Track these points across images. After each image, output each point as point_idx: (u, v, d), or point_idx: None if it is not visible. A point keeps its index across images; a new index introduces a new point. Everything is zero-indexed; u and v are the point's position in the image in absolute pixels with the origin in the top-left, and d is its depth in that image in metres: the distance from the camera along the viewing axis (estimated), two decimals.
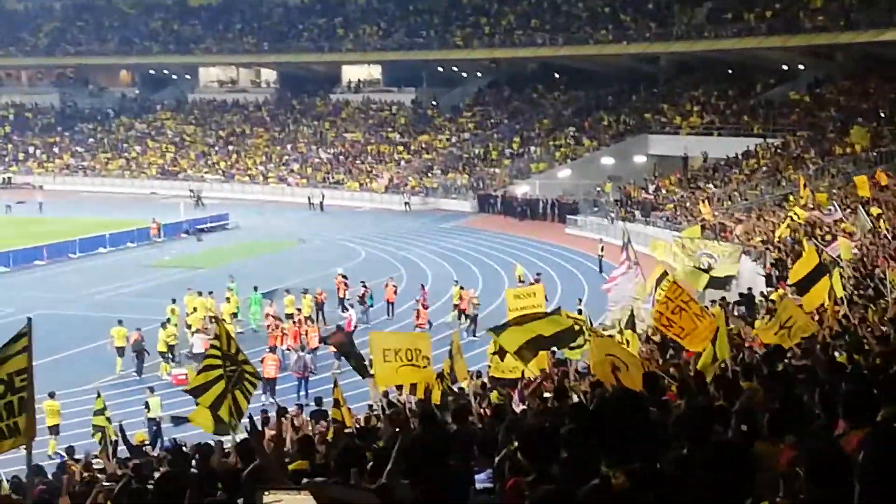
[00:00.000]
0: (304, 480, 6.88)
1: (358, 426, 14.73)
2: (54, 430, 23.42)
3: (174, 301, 33.97)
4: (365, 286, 36.75)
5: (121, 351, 30.68)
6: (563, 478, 5.11)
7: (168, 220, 57.74)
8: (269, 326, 32.18)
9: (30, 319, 8.16)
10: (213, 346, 12.42)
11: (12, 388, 8.65)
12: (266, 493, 4.94)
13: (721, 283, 26.93)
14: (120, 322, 31.20)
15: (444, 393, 18.98)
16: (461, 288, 36.27)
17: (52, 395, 23.47)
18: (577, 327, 15.06)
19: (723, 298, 25.89)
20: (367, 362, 18.26)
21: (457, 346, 17.53)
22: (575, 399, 12.50)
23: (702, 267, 26.24)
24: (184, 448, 11.05)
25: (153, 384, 26.72)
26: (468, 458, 6.66)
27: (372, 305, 36.36)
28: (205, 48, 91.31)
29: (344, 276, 38.24)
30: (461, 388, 19.17)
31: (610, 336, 17.30)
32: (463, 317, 34.94)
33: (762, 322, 19.06)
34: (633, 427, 5.02)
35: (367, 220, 63.63)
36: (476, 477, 5.75)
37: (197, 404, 12.29)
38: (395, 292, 37.28)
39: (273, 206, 69.78)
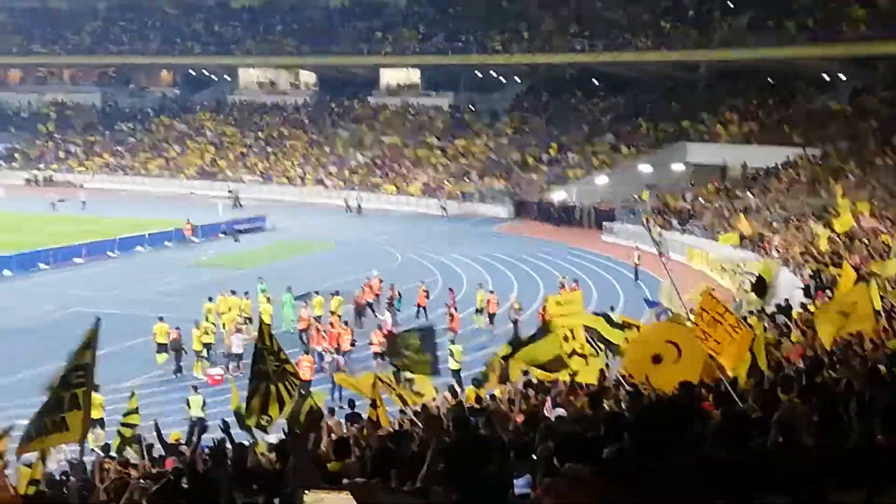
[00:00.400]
0: (345, 481, 6.90)
1: (392, 429, 14.74)
2: (99, 423, 23.60)
3: (210, 300, 34.19)
4: (393, 290, 36.86)
5: (162, 347, 31.09)
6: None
7: (206, 220, 58.20)
8: (308, 328, 32.32)
9: (98, 319, 8.07)
10: (256, 347, 12.53)
11: (67, 383, 8.65)
12: (306, 492, 4.97)
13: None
14: (161, 319, 31.61)
15: (478, 398, 19.04)
16: (490, 291, 36.26)
17: (96, 389, 23.53)
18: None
19: (760, 310, 25.72)
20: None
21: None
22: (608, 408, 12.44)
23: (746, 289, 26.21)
24: (224, 447, 11.10)
25: (195, 383, 26.94)
26: (504, 463, 6.66)
27: (399, 309, 36.31)
28: (245, 49, 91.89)
29: (380, 280, 38.50)
30: (492, 394, 19.19)
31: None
32: (490, 319, 34.89)
33: (819, 307, 18.58)
34: (671, 437, 5.00)
35: (403, 223, 63.72)
36: (515, 482, 5.74)
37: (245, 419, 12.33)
38: (427, 297, 37.24)
39: (310, 208, 70.08)
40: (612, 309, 33.34)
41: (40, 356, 31.01)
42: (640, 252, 44.74)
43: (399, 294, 36.75)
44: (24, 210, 64.61)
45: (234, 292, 34.91)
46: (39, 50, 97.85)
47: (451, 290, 37.64)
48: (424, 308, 36.82)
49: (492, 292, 36.46)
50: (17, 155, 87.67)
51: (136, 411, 17.60)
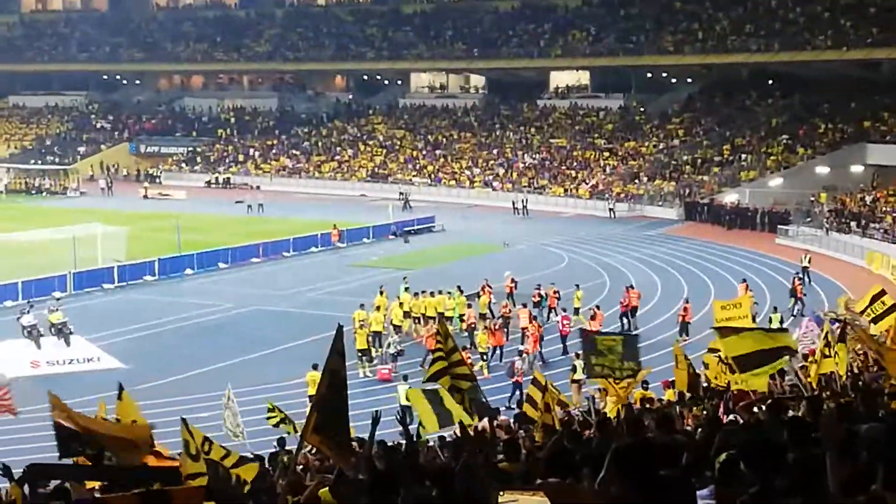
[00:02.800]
0: (538, 482, 6.93)
1: (566, 430, 14.69)
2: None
3: (362, 306, 33.58)
4: (539, 289, 37.02)
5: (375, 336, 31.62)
6: (790, 491, 5.00)
7: (377, 221, 59.30)
8: (474, 327, 32.55)
9: (340, 326, 7.96)
10: (437, 343, 12.72)
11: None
12: (501, 493, 5.00)
13: None
14: (361, 306, 32.33)
15: (645, 399, 18.82)
16: (686, 301, 35.57)
17: (314, 367, 23.61)
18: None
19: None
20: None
21: (681, 356, 17.58)
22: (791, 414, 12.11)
23: None
24: (396, 445, 11.27)
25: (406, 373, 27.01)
26: (681, 468, 6.58)
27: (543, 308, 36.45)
28: (416, 54, 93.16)
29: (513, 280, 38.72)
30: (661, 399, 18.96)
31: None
32: (684, 330, 34.07)
33: None
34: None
35: (570, 225, 63.44)
36: (698, 493, 5.65)
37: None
38: (558, 297, 36.80)
39: (478, 209, 70.54)
40: (776, 309, 32.74)
41: (220, 352, 32.33)
42: (810, 254, 43.51)
43: (544, 295, 36.70)
44: (206, 210, 67.21)
45: (382, 292, 35.49)
46: (221, 57, 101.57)
47: (627, 287, 37.29)
48: (554, 309, 36.31)
49: (687, 301, 35.60)
50: (198, 158, 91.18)
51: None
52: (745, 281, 38.51)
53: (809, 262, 43.12)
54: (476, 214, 68.08)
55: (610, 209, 67.51)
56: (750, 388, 15.15)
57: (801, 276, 40.66)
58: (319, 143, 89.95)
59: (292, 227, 57.02)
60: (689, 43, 79.58)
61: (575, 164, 76.50)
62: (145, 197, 77.29)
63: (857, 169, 63.72)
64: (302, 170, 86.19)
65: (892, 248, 45.43)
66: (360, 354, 30.17)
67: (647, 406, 17.53)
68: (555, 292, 36.90)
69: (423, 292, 35.22)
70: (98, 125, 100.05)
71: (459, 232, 60.09)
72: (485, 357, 30.23)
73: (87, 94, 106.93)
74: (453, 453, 9.62)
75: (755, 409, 13.75)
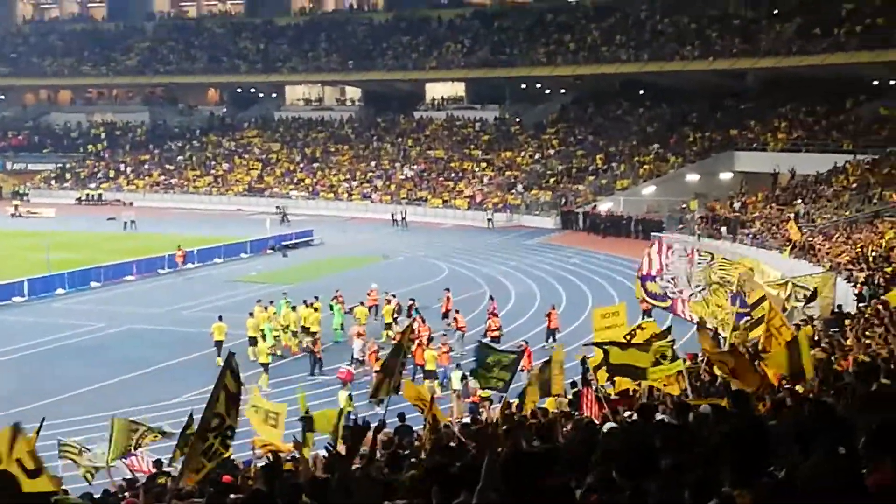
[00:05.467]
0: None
1: (439, 444, 14.67)
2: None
3: (251, 315, 34.33)
4: (413, 301, 37.33)
5: (219, 345, 32.10)
6: (661, 495, 5.05)
7: (254, 236, 58.68)
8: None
9: (231, 354, 7.85)
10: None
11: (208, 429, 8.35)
12: None
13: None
14: (220, 318, 32.95)
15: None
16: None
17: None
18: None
19: (812, 318, 25.41)
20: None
21: (558, 362, 17.85)
22: (660, 417, 12.31)
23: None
24: (278, 464, 11.07)
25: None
26: (560, 475, 6.60)
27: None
28: (291, 67, 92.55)
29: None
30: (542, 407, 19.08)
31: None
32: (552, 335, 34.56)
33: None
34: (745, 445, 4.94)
35: (449, 236, 63.77)
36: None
37: None
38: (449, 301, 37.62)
39: (357, 222, 70.38)
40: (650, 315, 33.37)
41: (94, 374, 31.47)
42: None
43: (400, 306, 37.16)
44: (76, 228, 65.49)
45: (259, 302, 35.75)
46: (89, 71, 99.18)
47: (491, 297, 37.93)
48: (448, 312, 36.93)
49: (553, 307, 36.07)
50: (67, 174, 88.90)
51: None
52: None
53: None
54: (355, 227, 67.91)
55: (488, 219, 68.08)
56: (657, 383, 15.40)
57: None
58: (193, 158, 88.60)
59: (168, 244, 55.90)
60: (562, 54, 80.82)
61: (452, 175, 76.93)
62: (14, 215, 74.94)
63: (725, 176, 65.58)
64: (176, 185, 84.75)
65: (761, 252, 46.67)
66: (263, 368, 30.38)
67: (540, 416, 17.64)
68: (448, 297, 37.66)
69: (308, 304, 35.23)
70: None
71: (338, 245, 59.81)
72: (435, 376, 29.88)
73: None
74: (325, 468, 9.51)
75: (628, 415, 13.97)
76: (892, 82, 66.30)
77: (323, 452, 14.03)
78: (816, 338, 20.07)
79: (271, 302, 36.13)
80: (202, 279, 49.36)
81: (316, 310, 34.95)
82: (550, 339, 33.67)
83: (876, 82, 67.23)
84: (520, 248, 58.87)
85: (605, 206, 65.49)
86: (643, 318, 31.23)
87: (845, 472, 5.46)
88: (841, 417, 7.40)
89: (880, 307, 22.36)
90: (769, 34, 70.57)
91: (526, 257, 54.59)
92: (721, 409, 9.29)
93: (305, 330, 34.16)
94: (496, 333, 33.60)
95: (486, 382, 17.28)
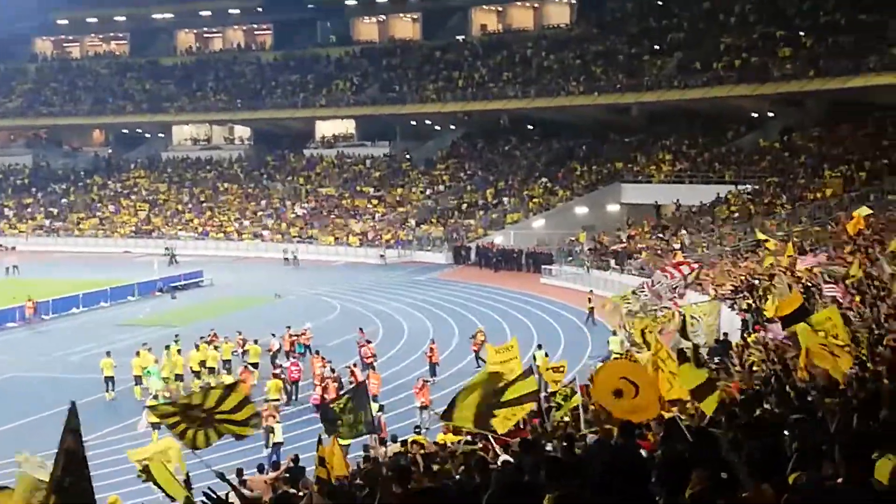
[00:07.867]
0: None
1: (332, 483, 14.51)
2: None
3: (137, 354, 34.15)
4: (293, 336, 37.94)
5: (110, 381, 32.69)
6: None
7: (142, 278, 57.62)
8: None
9: (73, 403, 7.56)
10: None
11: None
12: None
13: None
14: (108, 354, 33.61)
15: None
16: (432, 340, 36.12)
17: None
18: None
19: (696, 346, 25.86)
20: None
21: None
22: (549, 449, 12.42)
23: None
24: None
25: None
26: None
27: (303, 353, 36.91)
28: (178, 106, 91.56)
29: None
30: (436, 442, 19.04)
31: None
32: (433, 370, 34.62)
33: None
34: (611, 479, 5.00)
35: (342, 273, 63.56)
36: None
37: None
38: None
39: (248, 262, 69.70)
40: (540, 347, 33.67)
41: None
42: (592, 295, 44.75)
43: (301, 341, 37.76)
44: None
45: (146, 347, 35.19)
46: None
47: (360, 329, 38.22)
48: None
49: (433, 341, 36.26)
50: None
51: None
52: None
53: (591, 301, 43.77)
54: (246, 266, 67.21)
55: (380, 256, 68.06)
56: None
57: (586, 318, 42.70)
58: (78, 200, 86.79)
59: (53, 289, 54.48)
60: (451, 90, 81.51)
61: (344, 212, 76.78)
62: None
63: (613, 208, 66.80)
64: (60, 228, 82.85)
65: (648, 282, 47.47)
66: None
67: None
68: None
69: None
70: None
71: (229, 285, 59.09)
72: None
73: None
74: None
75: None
76: (770, 114, 68.40)
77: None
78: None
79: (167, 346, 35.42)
80: (87, 324, 48.13)
81: (216, 348, 34.81)
82: (433, 376, 33.70)
83: (755, 114, 69.32)
84: (412, 283, 58.92)
85: (496, 240, 66.09)
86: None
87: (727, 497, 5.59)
88: (723, 445, 7.58)
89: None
90: (651, 69, 72.28)
91: (418, 293, 54.67)
92: (604, 441, 9.39)
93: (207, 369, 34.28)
94: (370, 360, 34.35)
95: (350, 432, 17.00)
